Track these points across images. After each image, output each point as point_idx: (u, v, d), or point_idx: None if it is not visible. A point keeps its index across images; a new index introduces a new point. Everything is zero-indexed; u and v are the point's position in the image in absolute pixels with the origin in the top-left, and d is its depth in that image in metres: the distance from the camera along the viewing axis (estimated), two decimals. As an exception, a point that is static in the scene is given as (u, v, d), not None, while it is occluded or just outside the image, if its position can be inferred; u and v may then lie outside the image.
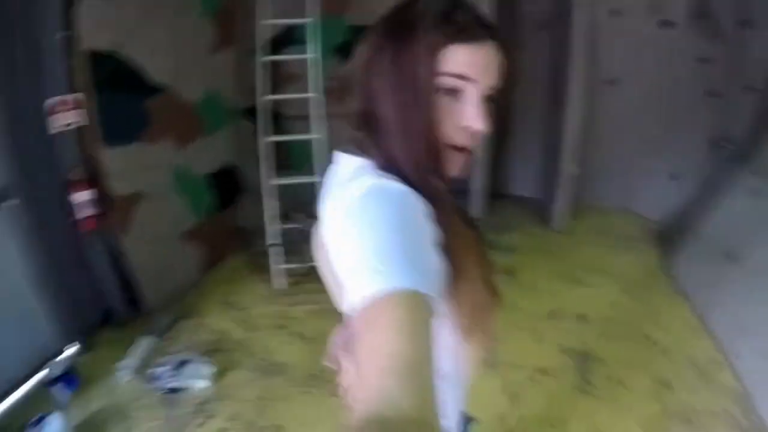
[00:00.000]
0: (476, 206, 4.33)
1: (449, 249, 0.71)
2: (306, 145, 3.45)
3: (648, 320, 3.17)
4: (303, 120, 3.83)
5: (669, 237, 3.91)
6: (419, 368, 0.53)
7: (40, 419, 2.30)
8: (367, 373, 0.53)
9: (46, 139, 2.50)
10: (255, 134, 3.87)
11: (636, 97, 4.07)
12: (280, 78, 3.87)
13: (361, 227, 0.65)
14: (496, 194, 4.75)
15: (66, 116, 2.52)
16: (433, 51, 0.69)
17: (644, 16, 3.79)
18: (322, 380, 2.69)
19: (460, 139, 0.74)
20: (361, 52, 0.78)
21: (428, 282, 0.60)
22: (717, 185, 3.57)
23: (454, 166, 0.77)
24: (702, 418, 2.48)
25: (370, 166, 0.76)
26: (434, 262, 0.65)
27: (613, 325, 3.14)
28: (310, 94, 3.32)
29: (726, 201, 3.35)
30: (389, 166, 0.75)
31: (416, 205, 0.69)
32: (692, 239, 3.50)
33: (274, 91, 3.36)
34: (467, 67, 0.70)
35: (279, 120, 3.96)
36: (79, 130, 2.62)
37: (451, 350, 0.83)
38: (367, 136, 0.78)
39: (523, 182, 4.80)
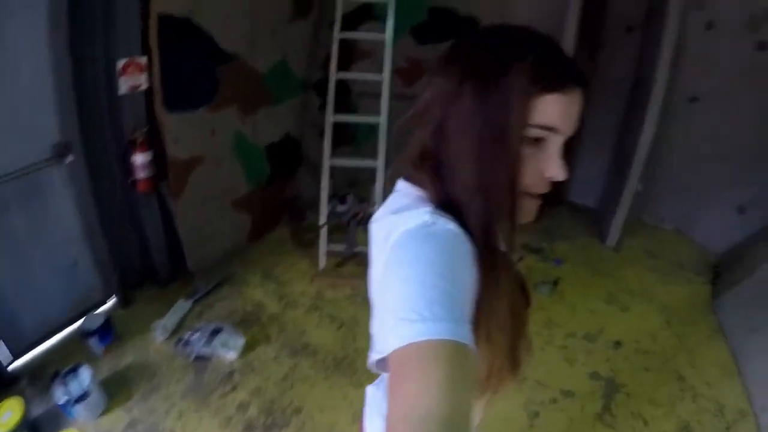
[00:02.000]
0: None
1: (484, 305, 0.69)
2: (368, 123, 3.44)
3: (683, 357, 3.06)
4: (370, 97, 3.80)
5: (723, 272, 3.73)
6: (455, 428, 0.49)
7: (73, 369, 2.41)
8: (398, 428, 0.50)
9: (113, 98, 2.57)
10: (321, 108, 3.88)
11: (717, 119, 3.81)
12: (350, 54, 3.86)
13: (407, 267, 0.63)
14: (553, 198, 4.61)
15: (135, 78, 2.57)
16: (527, 100, 0.66)
17: (741, 33, 3.52)
18: (348, 368, 2.75)
19: (538, 188, 0.73)
20: (436, 82, 0.73)
21: (468, 332, 0.58)
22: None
23: (530, 213, 0.76)
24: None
25: (427, 200, 0.74)
26: (471, 310, 0.63)
27: (648, 357, 3.05)
28: (381, 75, 3.27)
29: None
30: (448, 204, 0.72)
31: (463, 251, 0.67)
32: (746, 280, 3.31)
33: (345, 67, 3.35)
34: (557, 118, 0.68)
35: (346, 95, 3.98)
36: (147, 93, 2.66)
37: None
38: (431, 172, 0.75)
39: (583, 190, 4.61)
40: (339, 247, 3.46)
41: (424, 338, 0.54)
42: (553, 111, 0.67)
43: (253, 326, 2.99)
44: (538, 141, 0.69)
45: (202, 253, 3.27)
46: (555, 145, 0.70)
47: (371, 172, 3.36)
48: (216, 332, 2.80)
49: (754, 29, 3.46)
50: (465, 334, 0.56)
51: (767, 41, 3.47)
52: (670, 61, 3.38)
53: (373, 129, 3.41)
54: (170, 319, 2.89)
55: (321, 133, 3.33)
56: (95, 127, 2.58)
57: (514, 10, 3.77)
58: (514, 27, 0.72)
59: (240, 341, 2.79)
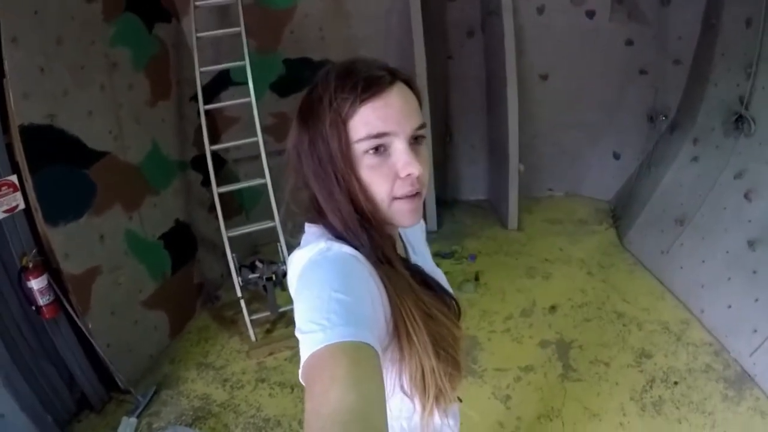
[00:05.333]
0: (430, 218, 4.39)
1: (398, 312, 0.75)
2: (254, 186, 3.41)
3: (615, 297, 3.30)
4: (247, 162, 3.84)
5: (621, 214, 4.09)
6: (366, 417, 0.54)
7: None
8: (313, 427, 0.53)
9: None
10: (203, 184, 3.84)
11: (570, 87, 4.26)
12: (216, 124, 3.85)
13: (305, 289, 0.70)
14: (447, 202, 4.84)
15: (10, 199, 2.40)
16: (340, 124, 0.72)
17: (569, 8, 4.00)
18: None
19: (403, 190, 0.76)
20: (289, 140, 0.82)
21: (369, 333, 0.63)
22: (658, 158, 3.78)
23: (407, 216, 0.79)
24: (687, 378, 2.61)
25: (325, 234, 0.80)
26: (372, 319, 0.68)
27: (584, 309, 3.25)
28: (255, 138, 3.28)
29: (669, 171, 3.54)
30: (338, 233, 0.79)
31: (357, 267, 0.73)
32: (643, 212, 3.68)
33: (215, 137, 3.33)
34: (381, 123, 0.72)
35: (222, 165, 3.93)
36: (26, 212, 2.50)
37: (407, 412, 0.83)
38: (315, 212, 0.82)
39: (472, 186, 4.90)
40: (263, 314, 3.37)
41: (324, 344, 0.60)
42: (373, 118, 0.72)
43: (207, 420, 2.79)
44: (379, 149, 0.74)
45: (129, 365, 3.02)
46: (397, 145, 0.74)
47: (271, 234, 3.33)
48: (171, 439, 2.59)
49: (579, 2, 3.96)
50: (363, 335, 0.62)
51: (593, 9, 3.98)
52: (514, 50, 3.74)
53: (257, 193, 3.40)
54: (118, 442, 2.63)
55: (209, 209, 3.27)
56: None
57: (359, 46, 3.99)
58: (332, 64, 0.79)
59: (200, 439, 2.60)
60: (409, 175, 0.74)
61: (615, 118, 4.26)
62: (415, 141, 0.76)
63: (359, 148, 0.73)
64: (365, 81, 0.72)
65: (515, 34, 3.75)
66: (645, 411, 2.46)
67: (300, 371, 0.63)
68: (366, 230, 0.77)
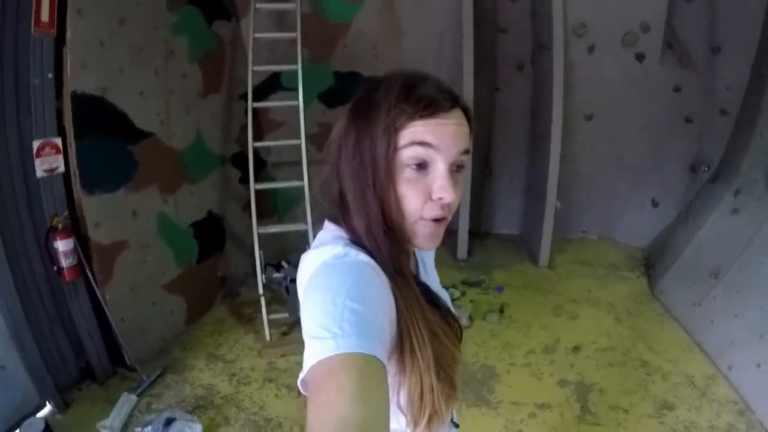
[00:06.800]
0: (461, 247, 4.34)
1: (402, 324, 0.73)
2: (289, 191, 3.45)
3: (642, 345, 3.17)
4: (285, 166, 3.88)
5: (654, 262, 3.97)
6: (370, 431, 0.53)
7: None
8: None
9: (30, 182, 2.44)
10: (241, 181, 3.90)
11: (614, 129, 4.22)
12: (261, 126, 3.92)
13: (318, 292, 0.68)
14: (480, 233, 4.78)
15: (52, 160, 2.47)
16: (393, 131, 0.72)
17: (620, 50, 3.99)
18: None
19: (431, 212, 0.75)
20: (335, 130, 0.81)
21: (376, 346, 0.62)
22: (698, 208, 3.67)
23: (427, 239, 0.78)
24: (708, 435, 2.45)
25: (343, 237, 0.79)
26: (383, 330, 0.67)
27: (608, 353, 3.12)
28: (298, 141, 3.33)
29: (707, 222, 3.43)
30: (356, 238, 0.78)
31: (372, 277, 0.72)
32: (677, 262, 3.56)
33: (258, 139, 3.38)
34: (430, 136, 0.72)
35: (262, 167, 4.00)
36: (65, 176, 2.56)
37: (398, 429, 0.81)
38: (339, 210, 0.82)
39: (505, 220, 4.85)
40: (281, 316, 3.34)
41: (335, 353, 0.58)
42: (423, 131, 0.72)
43: (208, 410, 2.75)
44: (423, 165, 0.73)
45: (140, 343, 3.03)
46: (439, 165, 0.73)
47: (300, 241, 3.33)
48: (170, 422, 2.53)
49: (630, 44, 3.94)
50: (374, 348, 0.61)
51: (643, 53, 3.95)
52: (562, 87, 3.74)
53: (292, 199, 3.42)
54: (116, 417, 2.59)
55: (243, 207, 3.31)
56: (12, 214, 2.40)
57: (410, 66, 4.03)
58: (398, 71, 0.78)
59: (197, 428, 2.54)
60: (440, 198, 0.73)
61: (657, 165, 4.18)
62: (456, 169, 0.75)
63: (403, 156, 0.72)
64: (428, 99, 0.72)
65: (564, 71, 3.74)
66: (662, 464, 2.32)
67: (302, 375, 0.62)
68: (388, 239, 0.76)
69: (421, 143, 0.72)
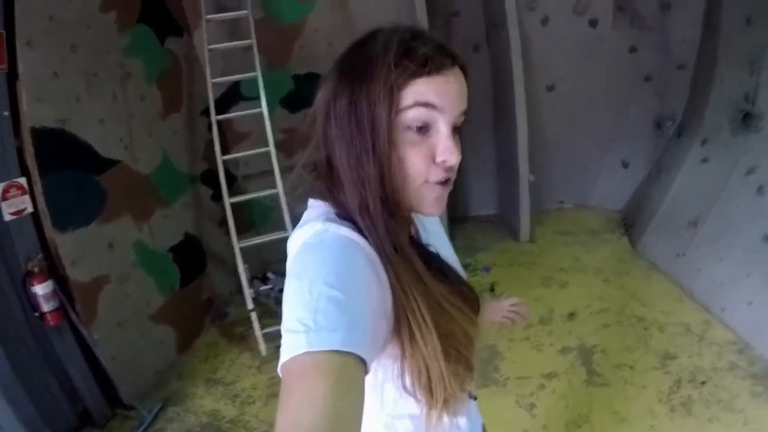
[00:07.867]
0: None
1: (402, 310, 0.68)
2: (263, 202, 3.38)
3: (634, 302, 3.24)
4: (255, 178, 3.82)
5: (633, 222, 4.06)
6: None
7: None
8: None
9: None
10: (213, 198, 3.82)
11: (576, 97, 4.28)
12: (226, 139, 3.85)
13: (296, 278, 0.63)
14: (458, 218, 4.80)
15: (18, 201, 2.37)
16: (395, 90, 0.67)
17: (572, 18, 4.04)
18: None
19: (436, 176, 0.71)
20: (320, 96, 0.74)
21: (357, 340, 0.57)
22: (668, 163, 3.77)
23: (432, 204, 0.74)
24: (714, 377, 2.53)
25: (329, 212, 0.73)
26: (370, 319, 0.62)
27: (603, 315, 3.18)
28: (267, 148, 3.27)
29: (679, 175, 3.53)
30: (346, 213, 0.72)
31: (357, 256, 0.66)
32: (655, 217, 3.65)
33: (223, 152, 3.30)
34: (434, 96, 0.68)
35: (232, 182, 3.92)
36: (34, 216, 2.46)
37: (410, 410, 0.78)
38: (325, 184, 0.75)
39: (482, 201, 4.88)
40: (275, 329, 3.27)
41: (307, 350, 0.54)
42: (426, 90, 0.67)
43: (216, 436, 2.69)
44: (425, 128, 0.69)
45: (134, 379, 2.93)
46: (441, 126, 0.69)
47: (281, 250, 3.24)
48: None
49: (582, 12, 4.01)
50: (353, 343, 0.56)
51: (596, 18, 4.03)
52: (521, 62, 3.78)
53: (267, 209, 3.36)
54: (123, 459, 2.51)
55: (219, 224, 3.23)
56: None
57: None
58: (387, 26, 0.72)
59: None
60: (444, 161, 0.69)
61: (622, 126, 4.28)
62: (454, 130, 0.71)
63: (404, 118, 0.68)
64: (432, 55, 0.67)
65: (520, 46, 3.78)
66: (675, 412, 2.37)
67: (278, 369, 0.57)
68: (386, 210, 0.70)
69: (425, 104, 0.67)
